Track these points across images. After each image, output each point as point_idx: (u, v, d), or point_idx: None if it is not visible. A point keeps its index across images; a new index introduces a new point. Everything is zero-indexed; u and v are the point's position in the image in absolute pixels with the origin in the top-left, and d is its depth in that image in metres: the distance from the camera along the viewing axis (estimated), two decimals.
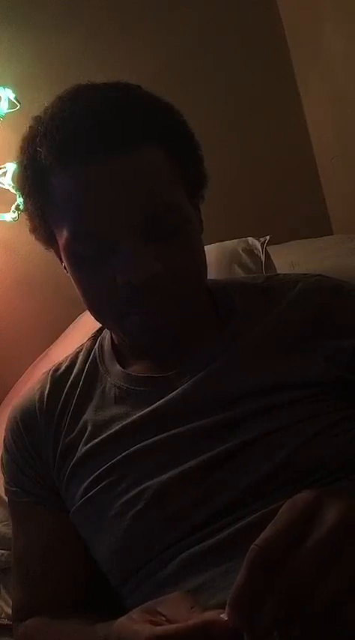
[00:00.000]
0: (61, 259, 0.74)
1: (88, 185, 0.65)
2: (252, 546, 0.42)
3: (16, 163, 0.73)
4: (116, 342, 0.81)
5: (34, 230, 0.75)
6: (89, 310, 0.73)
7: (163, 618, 0.49)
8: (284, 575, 0.41)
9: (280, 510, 0.43)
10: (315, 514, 0.42)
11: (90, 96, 0.68)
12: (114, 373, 0.77)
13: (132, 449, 0.69)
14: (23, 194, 0.73)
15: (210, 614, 0.44)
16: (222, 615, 0.43)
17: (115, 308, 0.69)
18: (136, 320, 0.69)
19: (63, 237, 0.68)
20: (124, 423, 0.71)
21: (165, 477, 0.66)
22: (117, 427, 0.71)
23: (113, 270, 0.66)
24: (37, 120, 0.71)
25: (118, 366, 0.77)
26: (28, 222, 0.75)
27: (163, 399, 0.70)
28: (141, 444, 0.69)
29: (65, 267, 0.74)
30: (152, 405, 0.71)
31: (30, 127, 0.72)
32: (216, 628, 0.43)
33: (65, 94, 0.70)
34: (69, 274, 0.73)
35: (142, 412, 0.71)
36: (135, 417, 0.71)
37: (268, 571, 0.41)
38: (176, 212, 0.67)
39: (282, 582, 0.41)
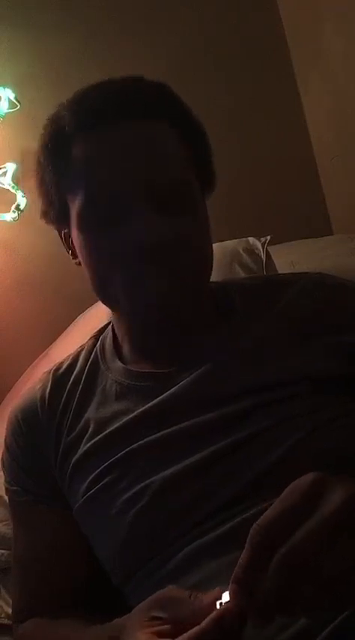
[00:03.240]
0: (67, 246, 0.76)
1: (110, 148, 0.68)
2: (254, 526, 0.42)
3: (39, 142, 0.76)
4: (119, 338, 0.81)
5: (45, 212, 0.76)
6: (94, 283, 0.72)
7: (159, 622, 0.49)
8: (286, 553, 0.41)
9: (284, 492, 0.44)
10: (320, 495, 0.43)
11: (112, 79, 0.73)
12: (115, 369, 0.77)
13: (133, 445, 0.69)
14: (42, 170, 0.75)
15: (212, 595, 0.45)
16: (224, 594, 0.43)
17: (121, 273, 0.69)
18: (138, 290, 0.69)
19: (77, 203, 0.70)
20: (126, 419, 0.71)
21: (167, 472, 0.66)
22: (118, 423, 0.71)
23: (124, 234, 0.67)
24: (61, 104, 0.74)
25: (119, 363, 0.78)
26: (40, 204, 0.77)
27: (164, 395, 0.71)
28: (143, 441, 0.69)
29: (72, 254, 0.76)
30: (153, 400, 0.71)
31: (56, 109, 0.74)
32: (226, 617, 0.43)
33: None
34: (78, 249, 0.73)
35: (144, 407, 0.71)
36: (136, 412, 0.71)
37: (270, 550, 0.41)
38: (190, 190, 0.70)
39: (284, 561, 0.41)
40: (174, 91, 0.75)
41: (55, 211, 0.75)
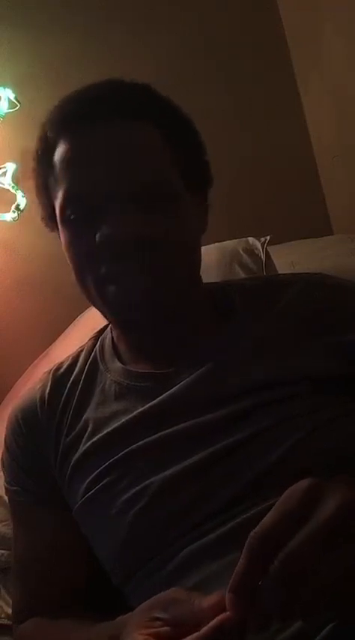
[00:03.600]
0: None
1: (83, 149, 0.70)
2: (251, 534, 0.42)
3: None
4: (116, 339, 0.81)
5: (42, 216, 0.78)
6: (76, 280, 0.74)
7: (160, 623, 0.49)
8: (284, 561, 0.41)
9: (280, 499, 0.44)
10: (315, 500, 0.43)
11: (94, 82, 0.74)
12: (114, 370, 0.77)
13: (133, 446, 0.69)
14: (35, 175, 0.77)
15: (213, 599, 0.45)
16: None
17: (97, 272, 0.70)
18: (115, 291, 0.69)
19: (57, 204, 0.72)
20: (125, 419, 0.71)
21: (167, 473, 0.66)
22: (117, 423, 0.71)
23: (98, 233, 0.68)
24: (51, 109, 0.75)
25: (118, 363, 0.78)
26: (39, 209, 0.78)
27: (164, 395, 0.71)
28: (143, 442, 0.69)
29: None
30: (152, 400, 0.71)
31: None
32: (226, 625, 0.43)
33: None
34: (63, 250, 0.74)
35: (143, 408, 0.71)
36: (135, 412, 0.71)
37: (267, 558, 0.41)
38: (165, 187, 0.70)
39: (282, 568, 0.41)
40: (157, 91, 0.75)
41: (47, 214, 0.76)
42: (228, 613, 0.43)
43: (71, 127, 0.71)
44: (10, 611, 0.93)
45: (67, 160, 0.70)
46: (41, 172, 0.75)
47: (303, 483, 0.44)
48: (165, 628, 0.48)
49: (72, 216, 0.70)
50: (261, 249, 1.22)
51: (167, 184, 0.70)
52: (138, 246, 0.67)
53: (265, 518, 0.43)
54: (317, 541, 0.41)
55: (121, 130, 0.69)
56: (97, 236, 0.68)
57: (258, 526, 0.42)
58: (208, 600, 0.46)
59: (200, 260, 0.77)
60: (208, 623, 0.44)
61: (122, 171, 0.68)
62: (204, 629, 0.43)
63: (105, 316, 0.76)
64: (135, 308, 0.70)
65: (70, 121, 0.71)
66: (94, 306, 0.75)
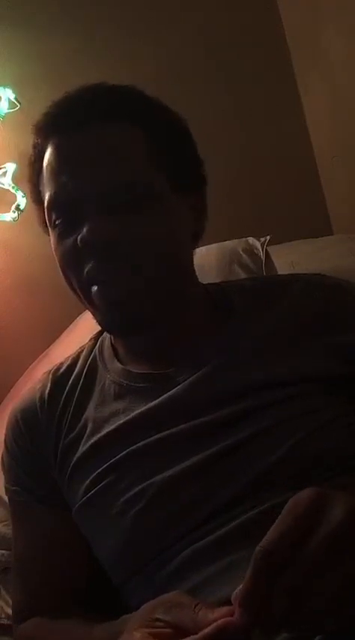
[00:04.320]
0: None
1: (61, 155, 0.71)
2: (258, 548, 0.42)
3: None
4: (113, 340, 0.81)
5: (39, 221, 0.79)
6: (66, 284, 0.74)
7: (161, 624, 0.49)
8: (291, 573, 0.41)
9: (284, 509, 0.43)
10: (320, 511, 0.43)
11: (82, 86, 0.74)
12: (113, 370, 0.77)
13: (133, 447, 0.69)
14: (30, 182, 0.77)
15: (218, 613, 0.44)
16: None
17: (79, 277, 0.70)
18: (97, 292, 0.70)
19: (45, 208, 0.73)
20: (124, 419, 0.71)
21: (167, 474, 0.66)
22: (116, 424, 0.71)
23: (76, 235, 0.69)
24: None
25: (118, 363, 0.78)
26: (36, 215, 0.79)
27: (163, 396, 0.71)
28: (142, 443, 0.69)
29: None
30: (152, 401, 0.71)
31: None
32: (229, 630, 0.42)
33: None
34: None
35: (142, 409, 0.71)
36: (135, 413, 0.71)
37: (274, 572, 0.41)
38: (140, 186, 0.69)
39: (289, 580, 0.41)
40: (143, 92, 0.75)
41: (41, 219, 0.77)
42: (231, 619, 0.43)
43: (56, 132, 0.72)
44: (10, 611, 0.93)
45: (51, 165, 0.71)
46: (34, 178, 0.76)
47: (307, 494, 0.44)
48: (166, 630, 0.48)
49: (57, 221, 0.71)
50: (260, 250, 1.22)
51: (145, 185, 0.70)
52: (111, 247, 0.68)
53: (270, 532, 0.42)
54: (324, 552, 0.41)
55: (101, 132, 0.70)
56: (78, 238, 0.68)
57: (263, 540, 0.42)
58: (213, 613, 0.45)
59: (189, 260, 0.76)
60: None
61: (98, 172, 0.68)
62: (210, 627, 0.43)
63: (94, 317, 0.75)
64: (118, 311, 0.70)
65: (54, 127, 0.72)
66: (86, 307, 0.75)
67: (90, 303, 0.72)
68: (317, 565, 0.41)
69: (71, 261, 0.71)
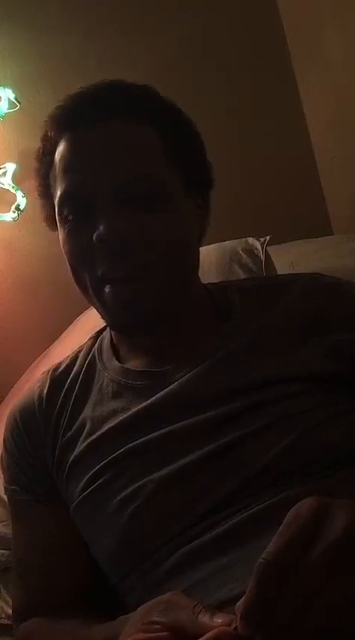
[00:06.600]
0: None
1: (77, 149, 0.70)
2: (260, 560, 0.41)
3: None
4: (114, 339, 0.81)
5: (44, 215, 0.78)
6: (74, 280, 0.74)
7: (157, 627, 0.48)
8: (294, 584, 0.40)
9: (286, 519, 0.43)
10: (322, 520, 0.42)
11: (98, 83, 0.74)
12: (111, 369, 0.77)
13: (130, 445, 0.69)
14: (38, 175, 0.77)
15: (218, 621, 0.44)
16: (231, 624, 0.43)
17: (91, 273, 0.70)
18: (110, 292, 0.69)
19: (56, 203, 0.72)
20: (121, 418, 0.71)
21: (163, 472, 0.66)
22: (114, 422, 0.72)
23: (90, 234, 0.68)
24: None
25: (116, 362, 0.78)
26: (42, 209, 0.78)
27: (161, 393, 0.71)
28: (139, 440, 0.69)
29: None
30: (149, 399, 0.71)
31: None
32: (228, 636, 0.42)
33: None
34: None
35: (140, 406, 0.71)
36: (132, 411, 0.71)
37: (277, 584, 0.41)
38: (155, 185, 0.69)
39: (292, 591, 0.40)
40: (158, 92, 0.75)
41: (49, 214, 0.76)
42: (229, 628, 0.42)
43: (71, 126, 0.71)
44: (10, 611, 0.93)
45: (65, 159, 0.70)
46: (43, 171, 0.75)
47: (308, 503, 0.43)
48: (163, 634, 0.48)
49: (69, 216, 0.71)
50: (260, 250, 1.22)
51: (160, 184, 0.70)
52: (127, 247, 0.67)
53: (273, 542, 0.42)
54: (327, 564, 0.40)
55: (118, 130, 0.69)
56: (94, 236, 0.68)
57: (265, 552, 0.41)
58: (213, 619, 0.45)
59: (196, 260, 0.77)
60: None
61: (115, 169, 0.68)
62: (209, 633, 0.43)
63: (102, 316, 0.76)
64: (129, 309, 0.70)
65: (70, 121, 0.71)
66: (92, 305, 0.76)
67: (100, 301, 0.72)
68: (320, 576, 0.40)
69: (84, 259, 0.70)
